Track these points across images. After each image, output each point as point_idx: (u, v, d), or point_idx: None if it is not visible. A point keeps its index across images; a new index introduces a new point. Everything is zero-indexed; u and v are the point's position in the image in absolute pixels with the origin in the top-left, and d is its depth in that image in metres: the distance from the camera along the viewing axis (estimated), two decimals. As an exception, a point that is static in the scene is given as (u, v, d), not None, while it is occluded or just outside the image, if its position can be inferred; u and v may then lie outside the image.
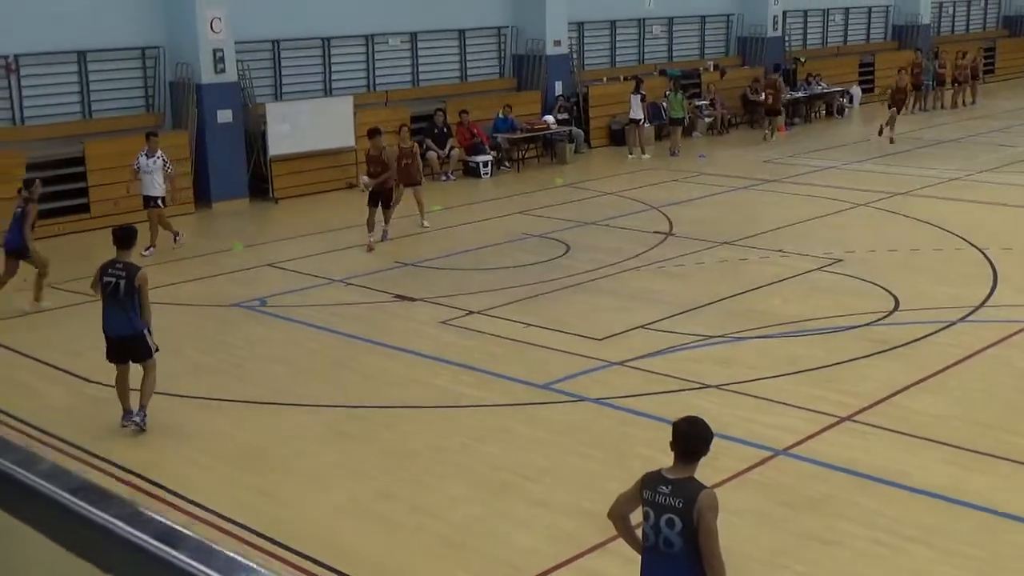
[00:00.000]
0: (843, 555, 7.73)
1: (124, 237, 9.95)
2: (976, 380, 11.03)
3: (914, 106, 32.37)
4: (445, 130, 23.13)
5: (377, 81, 23.51)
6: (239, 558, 2.14)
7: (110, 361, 10.06)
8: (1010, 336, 12.22)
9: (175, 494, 8.82)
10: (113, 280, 9.75)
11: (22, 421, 10.34)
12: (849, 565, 7.61)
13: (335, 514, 8.50)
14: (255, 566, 2.14)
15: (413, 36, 23.93)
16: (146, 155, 16.41)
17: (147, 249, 16.17)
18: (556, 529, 8.17)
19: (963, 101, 33.64)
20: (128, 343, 9.90)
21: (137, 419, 9.87)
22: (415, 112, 23.08)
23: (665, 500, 5.39)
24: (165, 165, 16.50)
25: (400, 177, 17.64)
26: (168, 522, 2.29)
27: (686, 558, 5.35)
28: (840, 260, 15.49)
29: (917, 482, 8.74)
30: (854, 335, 12.32)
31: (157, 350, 10.03)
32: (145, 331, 9.89)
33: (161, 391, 10.34)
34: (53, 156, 18.43)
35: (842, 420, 10.00)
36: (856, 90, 33.59)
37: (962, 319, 12.86)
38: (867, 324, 12.71)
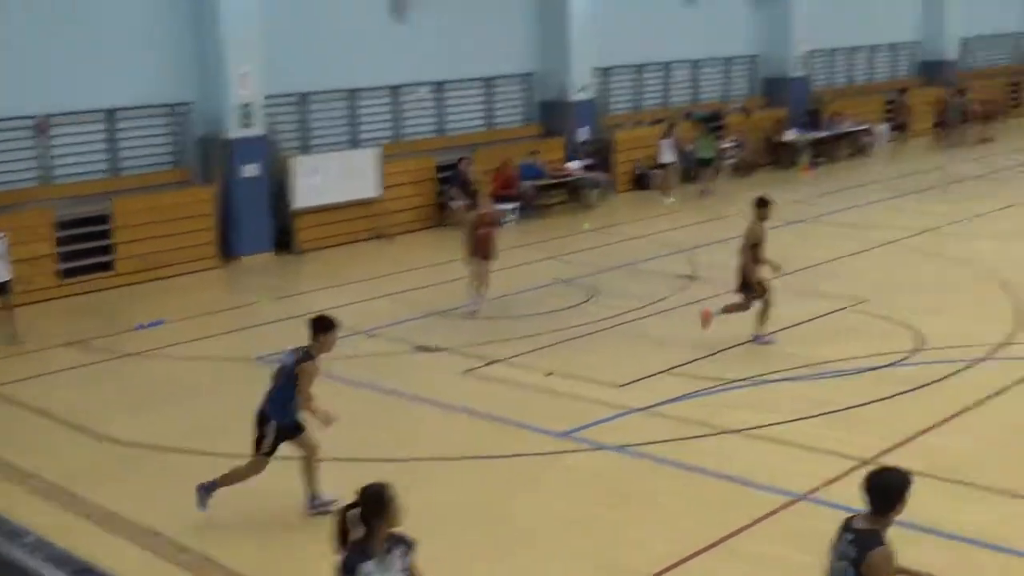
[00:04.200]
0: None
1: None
2: (1003, 417, 10.93)
3: (940, 142, 32.31)
4: (470, 178, 23.23)
5: (402, 131, 23.74)
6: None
7: None
8: (1036, 374, 12.14)
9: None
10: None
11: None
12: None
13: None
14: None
15: (439, 85, 24.17)
16: None
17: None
18: (578, 579, 8.15)
19: (988, 137, 33.47)
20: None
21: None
22: (440, 161, 23.28)
23: (845, 547, 5.47)
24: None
25: (478, 247, 15.83)
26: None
27: None
28: (866, 300, 15.43)
29: (945, 525, 8.66)
30: (880, 375, 12.25)
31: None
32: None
33: (196, 449, 10.42)
34: (81, 214, 18.66)
35: (866, 463, 9.93)
36: (883, 127, 33.49)
37: (986, 359, 12.77)
38: (892, 364, 12.65)
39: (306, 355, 9.24)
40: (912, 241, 19.41)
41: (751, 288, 13.71)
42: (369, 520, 5.67)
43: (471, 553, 8.68)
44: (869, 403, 11.43)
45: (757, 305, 13.76)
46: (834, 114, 31.54)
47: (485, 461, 10.54)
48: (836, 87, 34.29)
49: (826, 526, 8.67)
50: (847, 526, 5.51)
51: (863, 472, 9.58)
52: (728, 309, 13.91)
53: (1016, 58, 41.76)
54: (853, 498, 9.10)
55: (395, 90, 23.44)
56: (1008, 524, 8.71)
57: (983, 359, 12.71)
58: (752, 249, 13.73)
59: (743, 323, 14.68)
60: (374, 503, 5.69)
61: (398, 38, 23.13)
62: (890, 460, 9.89)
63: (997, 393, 11.58)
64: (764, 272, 13.83)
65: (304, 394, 9.15)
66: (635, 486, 9.78)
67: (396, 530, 5.78)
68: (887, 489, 5.41)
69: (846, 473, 9.73)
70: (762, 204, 13.89)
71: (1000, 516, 8.89)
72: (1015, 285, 15.69)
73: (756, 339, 13.70)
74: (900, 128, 32.77)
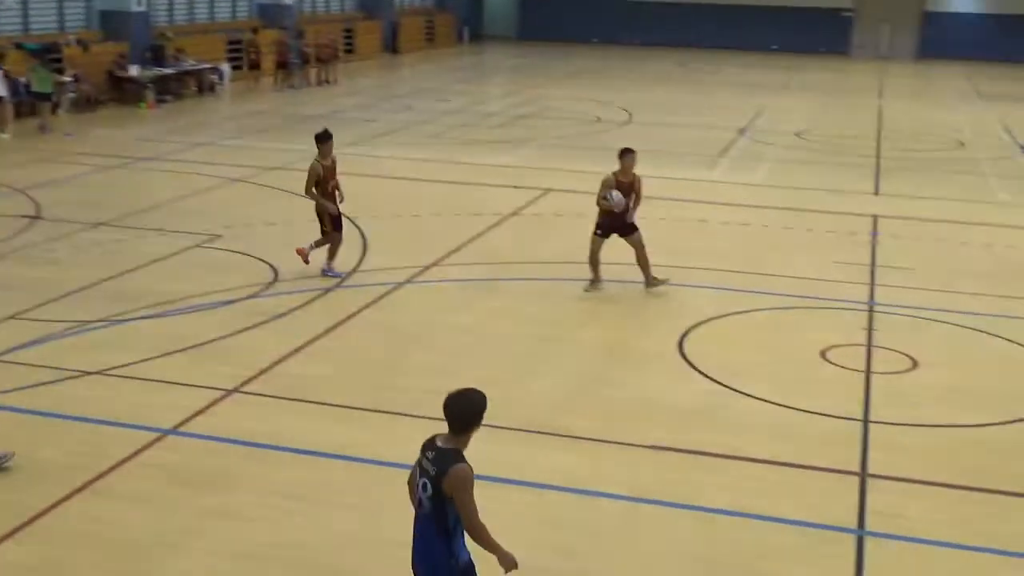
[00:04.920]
0: (241, 526, 7.82)
1: None
2: (352, 342, 11.68)
3: (282, 84, 33.40)
4: None
5: None
6: None
7: None
8: (378, 299, 13.10)
9: None
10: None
11: None
12: (247, 534, 7.72)
13: None
14: None
15: None
16: None
17: None
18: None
19: (326, 79, 35.27)
20: None
21: None
22: None
23: (426, 464, 5.61)
24: None
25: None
26: None
27: (431, 521, 5.63)
28: (219, 236, 15.57)
29: (305, 444, 9.08)
30: (237, 309, 12.48)
31: None
32: None
33: None
34: None
35: (230, 392, 10.10)
36: (226, 68, 33.86)
37: (337, 286, 13.53)
38: (249, 297, 12.93)
39: None
40: (263, 177, 19.90)
41: (323, 223, 13.82)
42: None
43: None
44: (230, 335, 11.59)
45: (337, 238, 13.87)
46: (178, 51, 31.23)
47: None
48: (179, 25, 33.99)
49: (198, 459, 8.80)
50: (429, 445, 5.68)
51: (229, 402, 9.86)
52: (318, 244, 13.90)
53: (350, 5, 44.31)
54: (221, 428, 9.32)
55: None
56: (355, 437, 9.34)
57: (333, 288, 13.43)
58: (317, 187, 13.61)
59: (99, 264, 14.15)
60: None
61: None
62: (253, 388, 10.18)
63: (346, 319, 12.32)
64: (331, 208, 13.77)
65: None
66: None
67: None
68: (465, 410, 5.59)
69: (211, 404, 9.83)
70: (321, 140, 13.75)
71: (350, 429, 9.50)
72: (359, 217, 16.67)
73: (324, 272, 13.79)
74: (253, 67, 33.56)
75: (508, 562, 5.72)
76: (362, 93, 33.68)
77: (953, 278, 14.66)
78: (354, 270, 14.18)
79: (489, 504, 8.13)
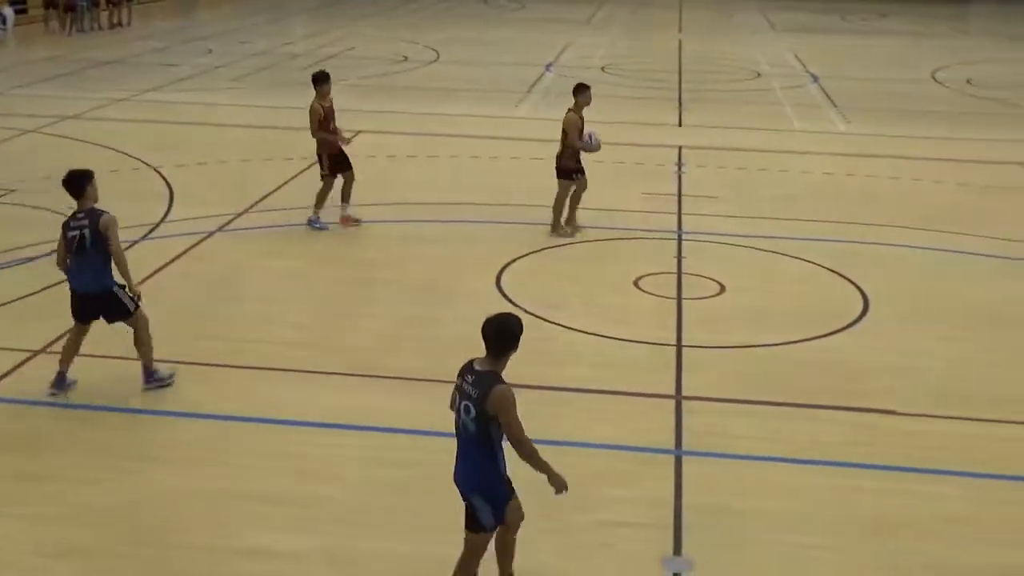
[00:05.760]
0: (57, 488, 7.56)
1: (73, 184, 8.74)
2: (165, 295, 11.34)
3: (71, 27, 31.84)
4: None
5: None
6: None
7: (75, 319, 8.88)
8: (189, 249, 12.75)
9: None
10: (77, 233, 8.63)
11: None
12: (66, 497, 7.47)
13: None
14: None
15: None
16: None
17: None
18: None
19: (119, 21, 33.80)
20: (94, 302, 8.77)
21: (149, 383, 8.98)
22: None
23: (468, 388, 5.80)
24: None
25: None
26: None
27: (476, 442, 5.84)
28: (14, 190, 14.84)
29: (119, 402, 8.82)
30: (38, 266, 11.92)
31: (137, 302, 8.87)
32: (115, 288, 8.75)
33: None
34: None
35: (36, 353, 9.69)
36: (8, 11, 32.02)
37: (144, 237, 13.10)
38: (50, 254, 12.36)
39: None
40: (57, 127, 19.00)
41: (322, 166, 13.59)
42: None
43: None
44: (31, 294, 11.10)
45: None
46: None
47: None
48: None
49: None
50: (467, 369, 5.89)
51: (36, 364, 9.44)
52: (343, 197, 13.63)
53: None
54: (30, 390, 8.92)
55: None
56: (194, 391, 9.13)
57: (140, 239, 13.00)
58: (320, 127, 13.38)
59: None
60: None
61: None
62: (61, 348, 9.79)
63: (159, 269, 11.96)
64: (339, 142, 13.50)
65: None
66: None
67: None
68: (502, 333, 5.79)
69: (17, 367, 9.44)
70: (319, 81, 13.42)
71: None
72: (164, 167, 16.13)
73: (310, 222, 13.56)
74: (44, 8, 31.96)
75: (559, 483, 6.00)
76: (159, 36, 32.44)
77: (755, 204, 15.24)
78: (162, 220, 13.76)
79: (316, 450, 8.14)
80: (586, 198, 13.83)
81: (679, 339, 10.54)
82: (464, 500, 6.02)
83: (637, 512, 7.51)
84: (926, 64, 30.27)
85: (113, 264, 8.74)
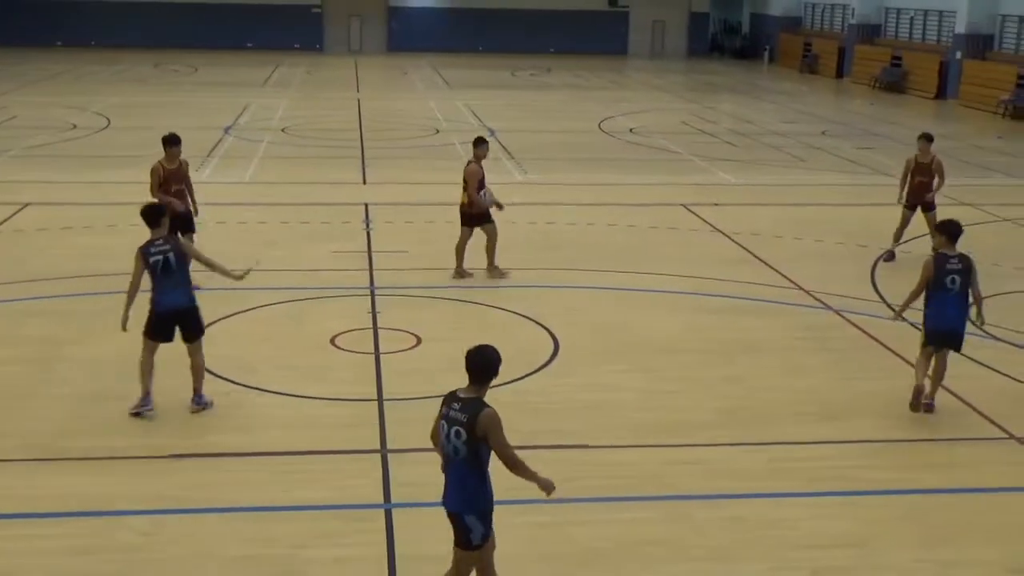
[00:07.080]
0: None
1: (151, 215, 9.77)
2: None
3: None
4: None
5: None
6: None
7: (152, 339, 9.68)
8: None
9: None
10: (161, 257, 9.59)
11: None
12: None
13: None
14: None
15: None
16: None
17: None
18: None
19: None
20: (184, 316, 9.74)
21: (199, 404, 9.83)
22: None
23: (456, 415, 6.24)
24: None
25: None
26: None
27: (468, 464, 6.28)
28: None
29: None
30: None
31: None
32: (198, 303, 9.89)
33: None
34: None
35: None
36: None
37: None
38: None
39: None
40: None
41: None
42: None
43: None
44: None
45: None
46: None
47: None
48: None
49: None
50: (451, 398, 6.34)
51: None
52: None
53: None
54: None
55: None
56: None
57: None
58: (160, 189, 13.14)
59: None
60: None
61: None
62: None
63: None
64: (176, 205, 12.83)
65: None
66: None
67: None
68: (484, 363, 6.28)
69: None
70: (169, 144, 13.29)
71: None
72: None
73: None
74: None
75: (547, 486, 6.47)
76: None
77: (445, 257, 15.51)
78: None
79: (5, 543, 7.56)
80: (277, 260, 13.64)
81: (380, 393, 10.58)
82: (453, 522, 6.41)
83: (351, 571, 7.45)
84: (592, 115, 32.03)
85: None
